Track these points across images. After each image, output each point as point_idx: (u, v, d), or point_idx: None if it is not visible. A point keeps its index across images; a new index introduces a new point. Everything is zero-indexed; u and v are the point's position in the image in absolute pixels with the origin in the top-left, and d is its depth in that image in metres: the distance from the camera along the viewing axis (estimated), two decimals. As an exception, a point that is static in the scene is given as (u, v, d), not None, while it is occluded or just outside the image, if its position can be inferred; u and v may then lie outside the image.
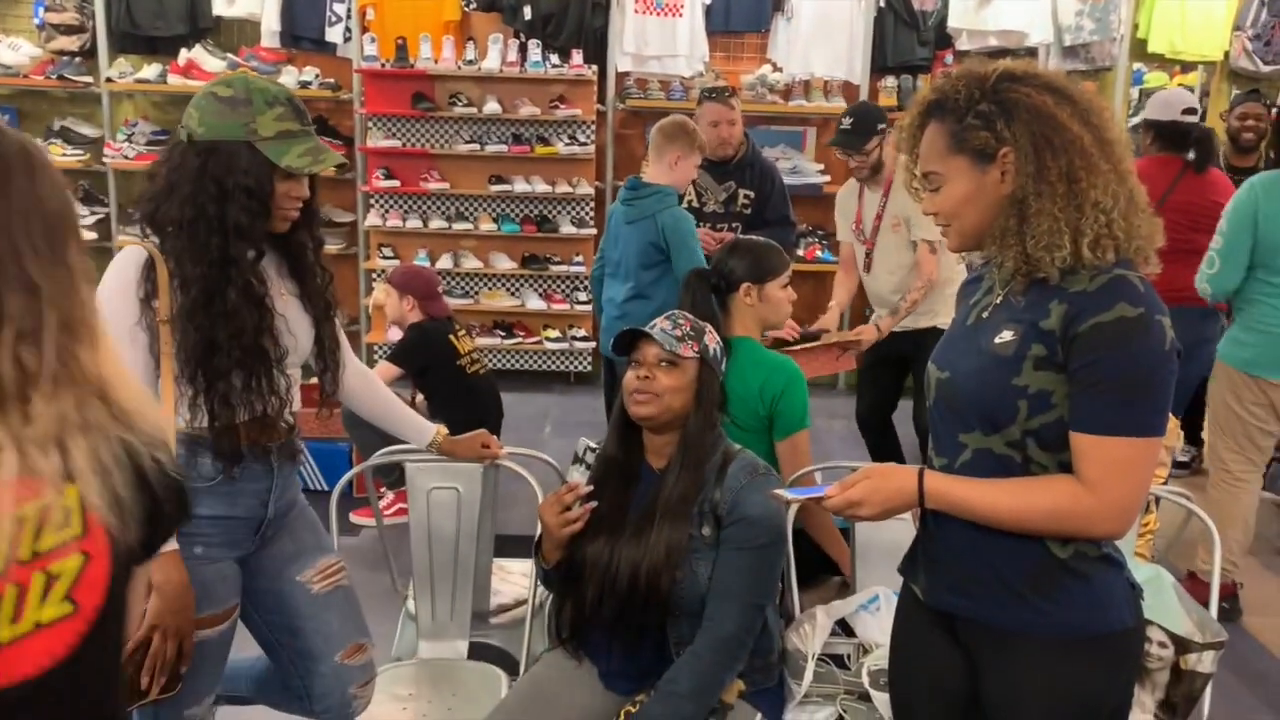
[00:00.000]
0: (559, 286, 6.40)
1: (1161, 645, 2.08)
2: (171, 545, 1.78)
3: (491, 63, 5.98)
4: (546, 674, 2.16)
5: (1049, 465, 1.54)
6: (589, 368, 6.35)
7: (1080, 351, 1.47)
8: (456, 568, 2.43)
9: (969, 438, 1.59)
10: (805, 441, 2.59)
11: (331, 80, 6.16)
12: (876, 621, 2.24)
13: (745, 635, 2.01)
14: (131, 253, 1.82)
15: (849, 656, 2.25)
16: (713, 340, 2.12)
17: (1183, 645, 2.07)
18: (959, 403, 1.60)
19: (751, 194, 4.41)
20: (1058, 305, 1.50)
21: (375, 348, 6.21)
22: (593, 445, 2.07)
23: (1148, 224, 1.55)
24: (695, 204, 4.34)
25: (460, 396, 4.30)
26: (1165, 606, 2.15)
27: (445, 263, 6.25)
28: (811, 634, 2.17)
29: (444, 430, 2.32)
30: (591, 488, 2.06)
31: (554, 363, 6.43)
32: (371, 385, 2.26)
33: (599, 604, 2.03)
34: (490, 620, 2.60)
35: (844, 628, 2.31)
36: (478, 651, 2.49)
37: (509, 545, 3.81)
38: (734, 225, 4.36)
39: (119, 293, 1.79)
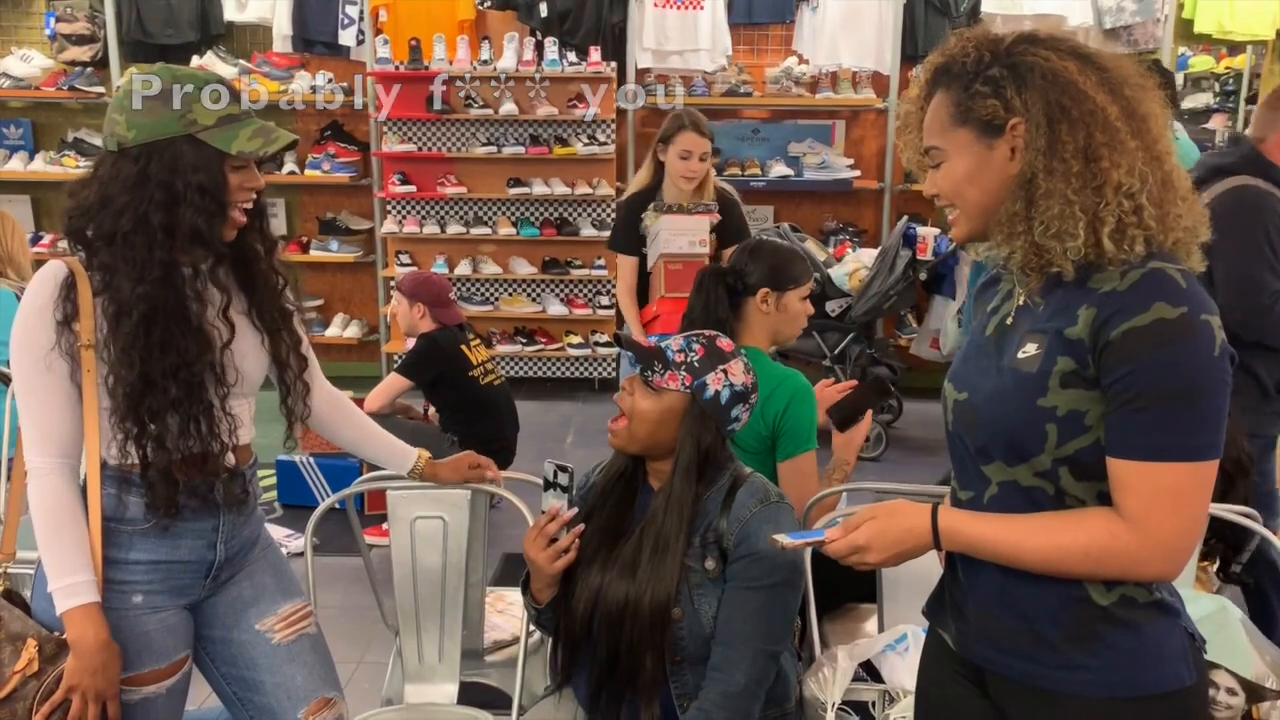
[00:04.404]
0: (581, 291, 6.21)
1: (1230, 692, 1.83)
2: (82, 598, 1.60)
3: (507, 62, 5.82)
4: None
5: (1086, 497, 1.32)
6: (613, 374, 6.16)
7: (1113, 363, 1.24)
8: (444, 604, 2.23)
9: (991, 470, 1.37)
10: (810, 464, 2.35)
11: (345, 84, 6.03)
12: (905, 664, 2.01)
13: (757, 687, 1.78)
14: (50, 269, 1.64)
15: (874, 705, 2.02)
16: (718, 383, 1.82)
17: (1255, 692, 1.83)
18: (979, 429, 1.38)
19: None
20: (1086, 310, 1.27)
21: (395, 357, 6.07)
22: (563, 465, 1.85)
23: (1189, 213, 1.31)
24: None
25: (473, 409, 4.14)
26: (1232, 646, 1.90)
27: (464, 269, 6.10)
28: (832, 679, 1.95)
29: (426, 455, 2.13)
30: (575, 511, 1.85)
31: (577, 369, 6.25)
32: (342, 409, 2.06)
33: (591, 645, 1.82)
34: (485, 658, 2.40)
35: (869, 671, 2.09)
36: (470, 693, 2.29)
37: (516, 566, 3.64)
38: None
39: (34, 316, 1.61)
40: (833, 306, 5.18)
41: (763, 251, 2.50)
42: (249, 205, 1.70)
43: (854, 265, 5.23)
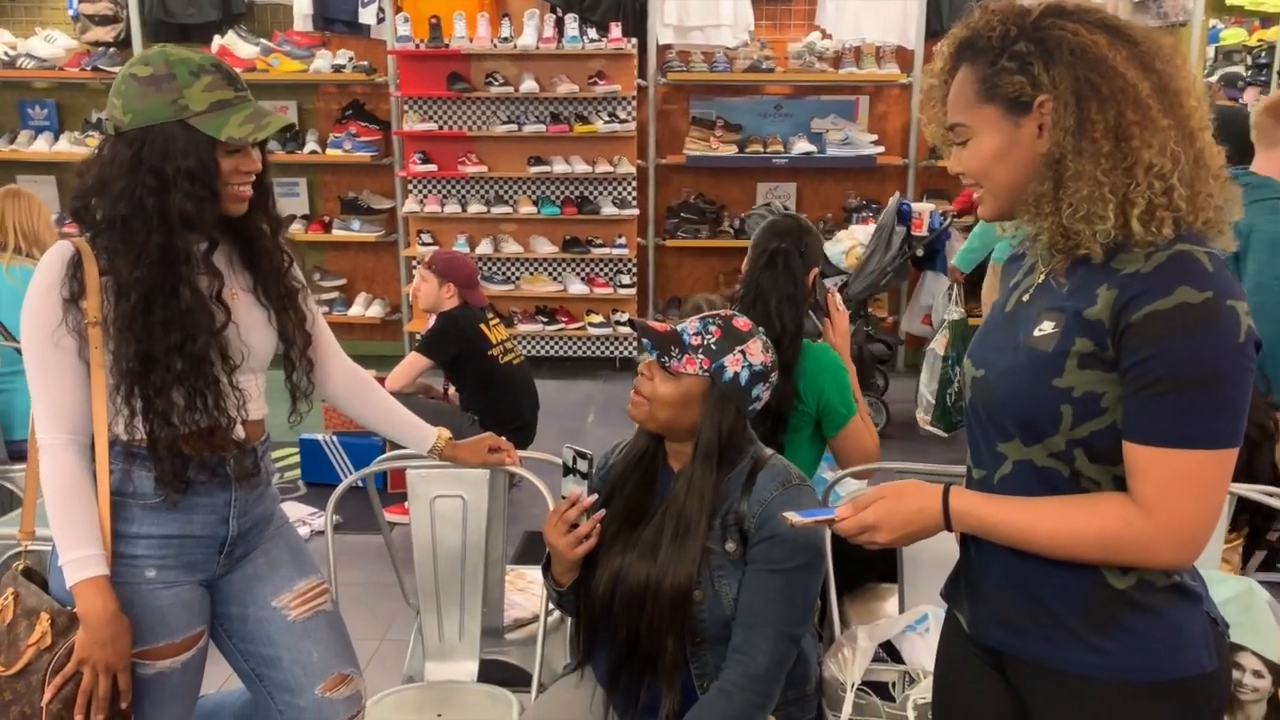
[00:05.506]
0: (601, 270, 6.20)
1: (1256, 674, 1.81)
2: (91, 571, 1.61)
3: (528, 39, 5.79)
4: (556, 706, 1.95)
5: (1101, 480, 1.29)
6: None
7: (1133, 346, 1.21)
8: (464, 583, 2.24)
9: (1008, 447, 1.35)
10: (857, 425, 2.36)
11: (365, 63, 6.04)
12: (925, 644, 2.00)
13: (778, 669, 1.77)
14: (56, 249, 1.64)
15: (894, 685, 2.01)
16: (736, 364, 1.80)
17: (1281, 675, 1.81)
18: (995, 407, 1.35)
19: None
20: (1107, 290, 1.24)
21: (418, 336, 6.09)
22: (582, 451, 1.84)
23: (1220, 192, 1.27)
24: None
25: (493, 387, 4.15)
26: (1258, 627, 1.88)
27: (485, 248, 6.10)
28: (852, 660, 1.94)
29: (446, 434, 2.12)
30: (595, 497, 1.85)
31: (597, 348, 6.25)
32: (362, 387, 2.06)
33: (612, 625, 1.82)
34: (505, 636, 2.41)
35: (890, 651, 2.07)
36: (490, 671, 2.30)
37: (537, 545, 3.66)
38: None
39: (41, 294, 1.61)
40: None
41: (811, 231, 2.48)
42: (249, 187, 1.70)
43: (850, 242, 5.20)
